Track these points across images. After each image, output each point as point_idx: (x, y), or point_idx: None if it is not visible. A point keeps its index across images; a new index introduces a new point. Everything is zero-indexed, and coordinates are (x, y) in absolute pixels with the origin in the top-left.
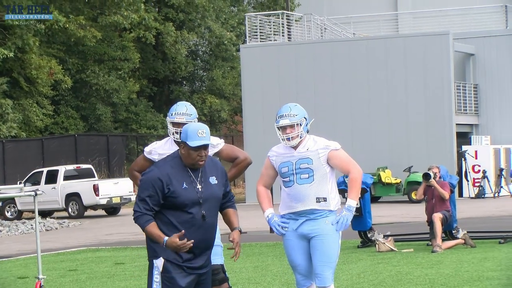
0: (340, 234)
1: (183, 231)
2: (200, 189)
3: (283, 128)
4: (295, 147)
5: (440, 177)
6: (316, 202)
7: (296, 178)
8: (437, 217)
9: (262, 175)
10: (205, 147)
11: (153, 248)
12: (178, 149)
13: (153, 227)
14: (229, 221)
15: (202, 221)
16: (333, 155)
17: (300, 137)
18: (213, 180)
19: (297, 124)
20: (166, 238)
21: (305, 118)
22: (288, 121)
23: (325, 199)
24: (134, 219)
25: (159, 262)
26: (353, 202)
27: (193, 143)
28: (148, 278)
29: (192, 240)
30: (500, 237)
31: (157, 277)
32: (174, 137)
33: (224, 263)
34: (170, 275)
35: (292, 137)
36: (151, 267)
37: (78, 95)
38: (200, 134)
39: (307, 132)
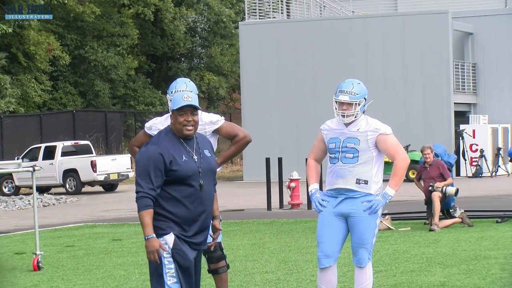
0: (380, 213)
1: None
2: (197, 160)
3: (340, 103)
4: (347, 124)
5: (434, 156)
6: (356, 183)
7: (341, 156)
8: (436, 195)
9: (314, 148)
10: (191, 111)
11: (158, 226)
12: (168, 125)
13: (147, 215)
14: None
15: (201, 192)
16: (381, 139)
17: (355, 117)
18: (207, 152)
19: (356, 104)
20: (152, 235)
21: (364, 98)
22: (348, 98)
23: (366, 182)
24: (136, 199)
25: (169, 238)
26: (391, 190)
27: (177, 106)
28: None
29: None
30: (497, 216)
31: (167, 254)
32: None
33: (222, 241)
34: (180, 248)
35: (347, 115)
36: None
37: (77, 71)
38: (185, 98)
39: (363, 113)
